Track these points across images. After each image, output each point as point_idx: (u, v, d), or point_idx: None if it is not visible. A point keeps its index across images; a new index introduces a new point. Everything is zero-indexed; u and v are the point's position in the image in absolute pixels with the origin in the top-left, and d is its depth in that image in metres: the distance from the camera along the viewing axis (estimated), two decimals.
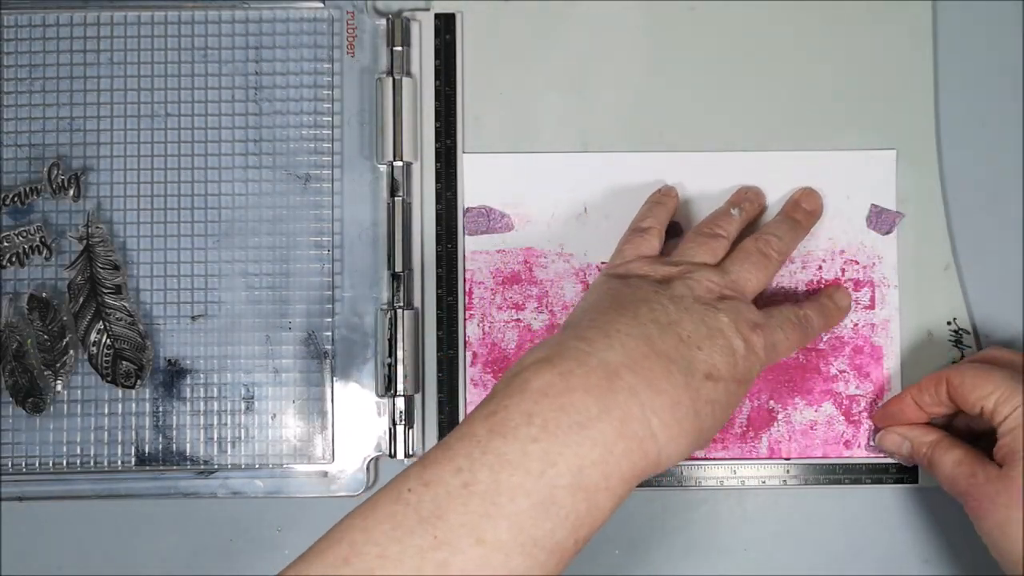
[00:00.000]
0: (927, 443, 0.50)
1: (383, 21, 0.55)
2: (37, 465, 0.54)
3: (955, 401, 0.48)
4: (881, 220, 0.54)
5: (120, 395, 0.54)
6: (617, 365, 0.40)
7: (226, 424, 0.54)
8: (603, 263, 0.54)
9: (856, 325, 0.54)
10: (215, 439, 0.54)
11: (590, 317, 0.43)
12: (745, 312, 0.46)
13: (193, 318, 0.54)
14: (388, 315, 0.53)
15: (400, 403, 0.53)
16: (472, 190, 0.55)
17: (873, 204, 0.54)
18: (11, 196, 0.54)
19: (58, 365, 0.54)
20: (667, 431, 0.40)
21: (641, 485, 0.53)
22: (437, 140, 0.55)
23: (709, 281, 0.46)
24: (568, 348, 0.41)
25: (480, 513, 0.36)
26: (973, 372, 0.47)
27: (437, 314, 0.54)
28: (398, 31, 0.54)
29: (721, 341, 0.44)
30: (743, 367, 0.44)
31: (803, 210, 0.53)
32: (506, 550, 0.36)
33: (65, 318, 0.54)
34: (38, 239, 0.54)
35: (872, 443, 0.53)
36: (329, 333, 0.54)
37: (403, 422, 0.53)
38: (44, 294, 0.54)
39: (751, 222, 0.53)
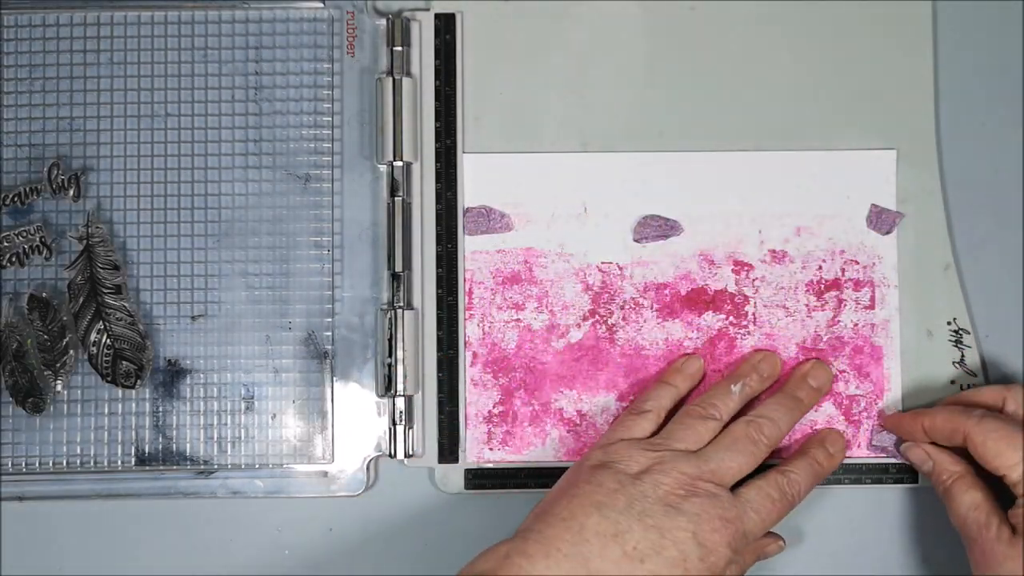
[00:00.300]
0: (951, 473, 0.50)
1: (383, 21, 0.55)
2: (37, 465, 0.54)
3: (973, 455, 0.48)
4: (881, 220, 0.54)
5: (120, 395, 0.54)
6: None
7: (226, 424, 0.54)
8: (603, 263, 0.54)
9: (856, 325, 0.54)
10: (215, 439, 0.54)
11: (546, 516, 0.46)
12: (712, 509, 0.46)
13: (193, 318, 0.54)
14: (388, 315, 0.53)
15: (400, 403, 0.53)
16: (472, 190, 0.55)
17: (873, 204, 0.54)
18: (11, 196, 0.54)
19: (58, 365, 0.54)
20: None
21: None
22: (437, 140, 0.55)
23: (681, 474, 0.47)
24: (512, 564, 0.44)
25: None
26: (996, 435, 0.47)
27: (437, 314, 0.54)
28: (398, 31, 0.54)
29: (672, 552, 0.45)
30: (697, 570, 0.45)
31: (808, 387, 0.53)
32: None
33: (65, 318, 0.54)
34: (38, 239, 0.54)
35: (873, 443, 0.53)
36: (329, 333, 0.54)
37: (403, 422, 0.53)
38: (44, 294, 0.54)
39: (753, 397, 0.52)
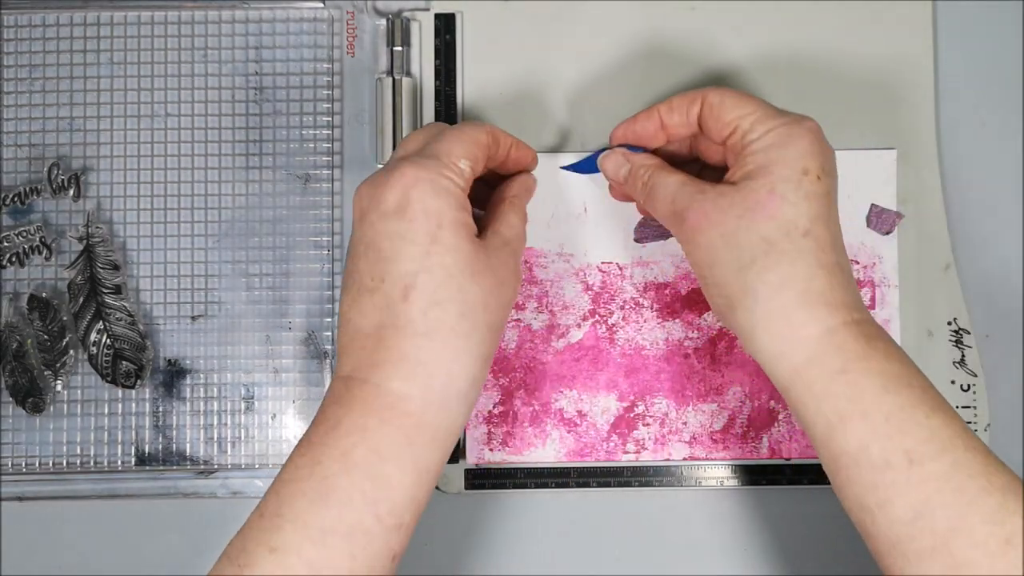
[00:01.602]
0: (648, 166, 0.48)
1: (383, 21, 0.55)
2: (37, 465, 0.54)
3: (706, 122, 0.46)
4: (881, 220, 0.54)
5: (120, 395, 0.54)
6: (348, 372, 0.42)
7: (226, 424, 0.54)
8: (604, 263, 0.54)
9: None
10: (215, 439, 0.54)
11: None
12: (374, 178, 0.43)
13: (193, 318, 0.54)
14: None
15: None
16: None
17: (873, 204, 0.54)
18: (11, 196, 0.54)
19: (58, 365, 0.54)
20: (411, 382, 0.41)
21: (641, 484, 0.53)
22: None
23: (378, 180, 0.43)
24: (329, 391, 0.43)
25: (268, 528, 0.39)
26: (735, 93, 0.45)
27: None
28: (398, 31, 0.54)
29: (386, 244, 0.42)
30: (417, 231, 0.42)
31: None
32: (296, 549, 0.39)
33: (65, 318, 0.54)
34: (38, 239, 0.54)
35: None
36: (329, 333, 0.54)
37: None
38: (44, 294, 0.54)
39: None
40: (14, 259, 0.54)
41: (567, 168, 0.54)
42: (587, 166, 0.53)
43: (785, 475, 0.54)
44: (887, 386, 0.40)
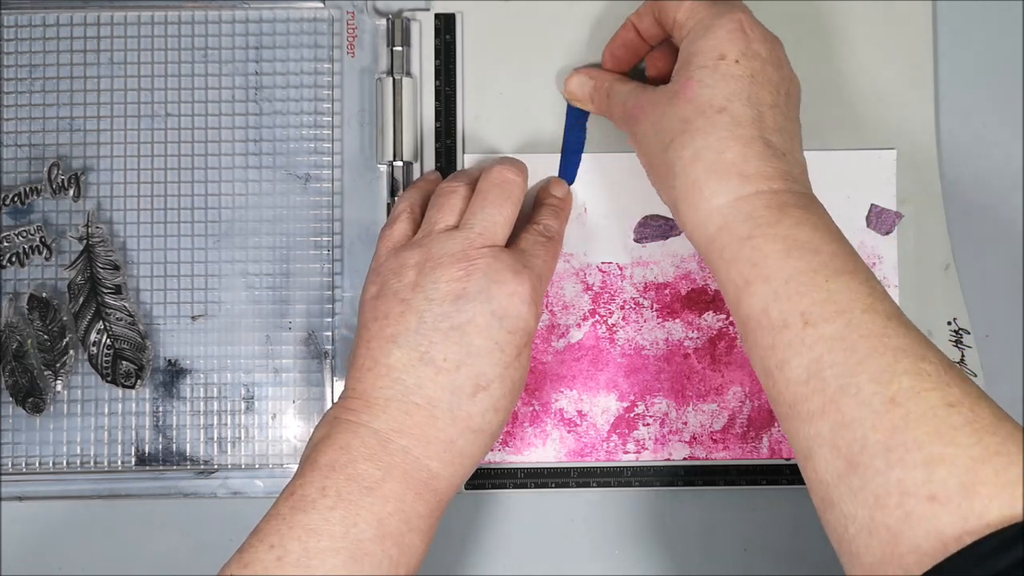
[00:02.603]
0: (610, 78, 0.51)
1: (383, 21, 0.55)
2: (37, 465, 0.54)
3: (664, 24, 0.48)
4: (881, 220, 0.54)
5: (120, 395, 0.54)
6: (387, 431, 0.43)
7: (226, 424, 0.54)
8: (604, 263, 0.54)
9: None
10: (215, 439, 0.54)
11: (353, 370, 0.45)
12: (498, 271, 0.45)
13: (193, 318, 0.54)
14: None
15: None
16: None
17: (873, 204, 0.54)
18: (11, 196, 0.54)
19: (58, 365, 0.54)
20: (449, 467, 0.44)
21: (641, 484, 0.53)
22: (437, 140, 0.55)
23: (451, 256, 0.45)
24: (341, 423, 0.44)
25: None
26: None
27: None
28: (398, 31, 0.54)
29: (479, 341, 0.44)
30: (511, 344, 0.45)
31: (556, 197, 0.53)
32: None
33: (65, 318, 0.54)
34: (38, 239, 0.54)
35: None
36: (329, 333, 0.54)
37: None
38: (44, 294, 0.54)
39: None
40: (14, 259, 0.54)
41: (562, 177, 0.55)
42: (569, 168, 0.55)
43: (785, 475, 0.54)
44: (790, 251, 0.41)
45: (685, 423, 0.54)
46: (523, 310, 0.45)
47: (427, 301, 0.44)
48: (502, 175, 0.48)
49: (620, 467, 0.54)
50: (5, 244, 0.54)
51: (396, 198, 0.53)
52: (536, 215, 0.51)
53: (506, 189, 0.48)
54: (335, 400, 0.54)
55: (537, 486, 0.54)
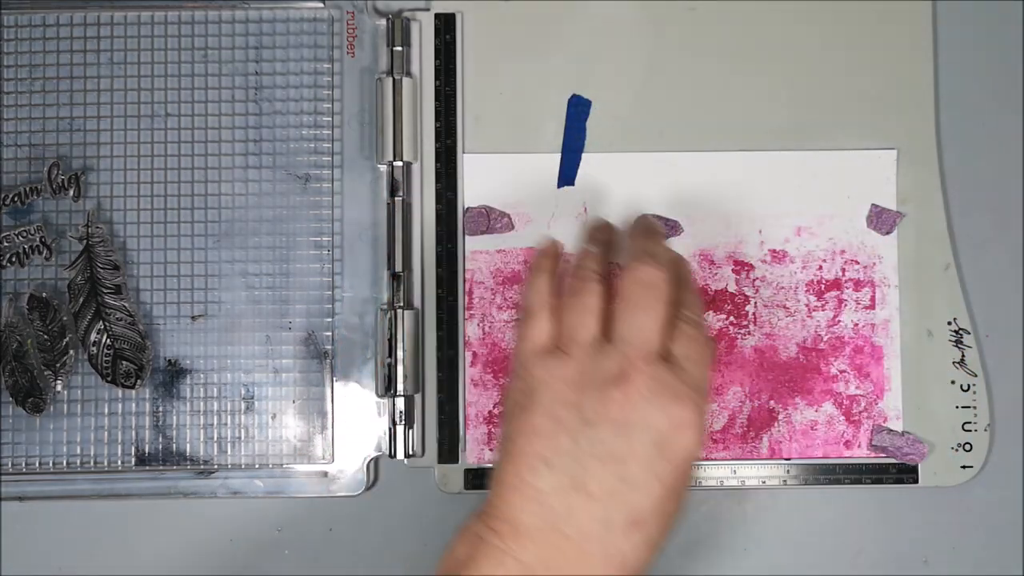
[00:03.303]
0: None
1: (383, 21, 0.55)
2: (37, 465, 0.54)
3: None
4: (881, 220, 0.54)
5: (120, 395, 0.54)
6: (534, 565, 0.41)
7: (226, 424, 0.54)
8: None
9: (856, 325, 0.54)
10: (215, 439, 0.54)
11: (499, 487, 0.43)
12: (658, 395, 0.41)
13: (193, 318, 0.54)
14: (388, 315, 0.53)
15: (400, 403, 0.53)
16: (472, 190, 0.55)
17: (873, 204, 0.54)
18: (11, 196, 0.54)
19: (58, 365, 0.54)
20: None
21: None
22: (437, 140, 0.55)
23: (607, 375, 0.41)
24: (486, 546, 0.41)
25: None
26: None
27: (437, 314, 0.54)
28: (398, 31, 0.54)
29: (637, 471, 0.41)
30: (670, 475, 0.41)
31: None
32: None
33: (65, 318, 0.54)
34: (38, 239, 0.54)
35: (874, 443, 0.53)
36: (329, 333, 0.54)
37: (403, 422, 0.53)
38: (44, 294, 0.54)
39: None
40: (14, 259, 0.54)
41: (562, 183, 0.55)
42: (569, 168, 0.54)
43: (785, 475, 0.54)
44: None
45: None
46: (687, 438, 0.41)
47: (582, 423, 0.41)
48: (649, 275, 0.43)
49: None
50: (5, 244, 0.54)
51: (523, 285, 0.49)
52: (678, 297, 0.44)
53: (654, 292, 0.43)
54: (332, 398, 0.54)
55: None
